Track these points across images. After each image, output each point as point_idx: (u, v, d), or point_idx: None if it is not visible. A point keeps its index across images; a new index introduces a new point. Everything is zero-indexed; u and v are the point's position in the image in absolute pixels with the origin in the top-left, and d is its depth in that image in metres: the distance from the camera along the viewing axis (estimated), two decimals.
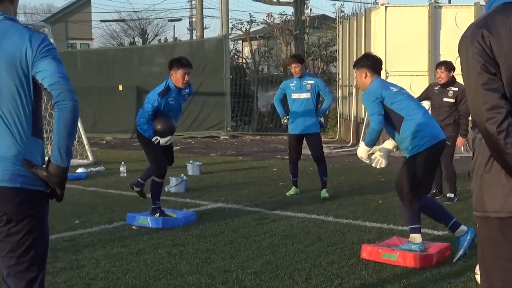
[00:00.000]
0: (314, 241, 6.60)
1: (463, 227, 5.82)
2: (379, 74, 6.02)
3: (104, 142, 21.46)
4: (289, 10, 26.81)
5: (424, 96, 9.08)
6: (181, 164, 12.89)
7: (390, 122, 5.83)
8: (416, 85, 16.74)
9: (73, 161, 14.01)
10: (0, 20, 3.09)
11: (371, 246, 5.95)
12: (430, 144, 5.73)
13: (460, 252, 5.74)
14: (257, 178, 11.47)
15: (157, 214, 7.51)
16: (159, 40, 38.70)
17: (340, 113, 21.28)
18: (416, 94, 15.60)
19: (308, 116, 9.01)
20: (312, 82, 9.12)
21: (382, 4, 17.04)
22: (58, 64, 3.04)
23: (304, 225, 7.39)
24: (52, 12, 53.30)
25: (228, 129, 22.38)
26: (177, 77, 7.30)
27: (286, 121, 9.24)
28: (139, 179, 8.08)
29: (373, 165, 6.08)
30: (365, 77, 5.94)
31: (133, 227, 7.37)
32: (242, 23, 29.27)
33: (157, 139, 7.31)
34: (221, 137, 22.04)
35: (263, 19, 27.76)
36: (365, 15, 18.33)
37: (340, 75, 21.47)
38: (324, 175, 9.16)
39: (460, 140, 8.87)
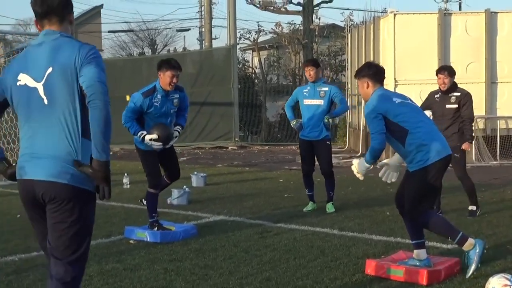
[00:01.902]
0: (317, 255, 6.33)
1: (471, 240, 5.53)
2: (382, 84, 5.73)
3: (111, 153, 21.27)
4: (298, 19, 26.61)
5: (425, 106, 8.72)
6: (186, 176, 12.68)
7: (394, 136, 5.53)
8: (426, 94, 16.34)
9: None
10: (57, 37, 3.57)
11: (376, 262, 5.67)
12: (436, 159, 5.44)
13: (472, 267, 5.45)
14: (263, 190, 11.22)
15: (155, 228, 7.27)
16: (168, 51, 38.59)
17: (349, 123, 21.03)
18: None
19: (320, 123, 8.64)
20: (326, 89, 8.73)
21: (391, 12, 16.80)
22: (99, 71, 3.44)
23: (308, 238, 7.12)
24: None
25: (236, 139, 22.20)
26: (164, 79, 7.06)
27: (294, 122, 8.87)
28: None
29: (383, 179, 5.87)
30: (367, 87, 5.65)
31: (131, 241, 7.13)
32: (250, 33, 29.10)
33: (142, 133, 7.01)
34: (229, 148, 21.86)
35: (272, 28, 27.58)
36: (373, 23, 18.10)
37: (349, 84, 21.22)
38: (331, 190, 8.86)
39: (466, 145, 8.53)
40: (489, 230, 7.43)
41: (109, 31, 39.37)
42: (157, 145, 7.04)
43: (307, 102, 8.74)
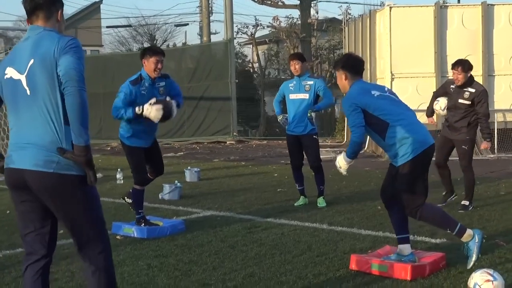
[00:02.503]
0: (304, 250, 6.28)
1: (469, 231, 5.44)
2: (361, 76, 5.63)
3: (109, 148, 21.25)
4: (296, 13, 26.49)
5: (442, 92, 8.63)
6: (180, 170, 12.65)
7: (374, 129, 5.42)
8: (423, 87, 16.41)
9: None
10: (40, 32, 3.68)
11: (360, 257, 5.61)
12: (419, 152, 5.33)
13: (473, 258, 5.34)
14: (256, 184, 11.16)
15: (142, 224, 7.22)
16: (168, 46, 38.46)
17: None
18: (423, 96, 15.55)
19: (305, 117, 8.59)
20: (311, 82, 8.66)
21: (387, 5, 16.69)
22: (75, 59, 3.51)
23: (296, 233, 7.06)
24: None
25: (234, 134, 22.15)
26: (149, 66, 6.92)
27: (281, 117, 8.82)
28: (131, 190, 7.67)
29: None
30: (345, 79, 5.53)
31: (117, 237, 7.09)
32: (247, 27, 28.99)
33: (139, 108, 6.68)
34: (227, 142, 21.82)
35: (269, 22, 27.49)
36: (370, 16, 17.99)
37: None
38: (321, 184, 8.79)
39: (484, 144, 8.44)
40: (480, 224, 7.36)
41: (107, 27, 39.16)
42: (158, 110, 6.59)
43: (292, 96, 8.69)
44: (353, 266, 5.55)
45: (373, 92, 5.45)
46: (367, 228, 7.19)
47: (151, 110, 6.63)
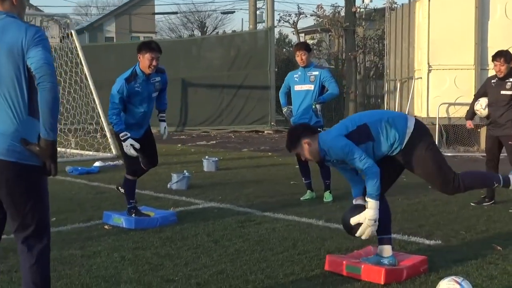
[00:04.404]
0: (287, 248, 6.03)
1: (507, 176, 5.30)
2: (317, 131, 5.24)
3: None
4: (342, 2, 25.96)
5: (482, 92, 8.38)
6: (198, 159, 12.53)
7: (362, 141, 5.00)
8: (461, 80, 15.84)
9: (95, 155, 13.83)
10: (3, 18, 3.63)
11: (335, 257, 5.34)
12: (412, 122, 5.07)
13: None
14: (272, 176, 10.93)
15: (133, 214, 7.10)
16: (217, 33, 38.47)
17: (387, 109, 20.44)
18: (461, 90, 15.01)
19: (310, 109, 8.32)
20: (316, 73, 8.41)
21: None
22: (46, 52, 3.53)
23: (287, 229, 6.81)
24: (117, 5, 53.92)
25: (272, 123, 21.88)
26: (144, 62, 6.77)
27: (285, 109, 8.59)
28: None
29: (363, 237, 5.00)
30: (310, 145, 5.07)
31: (106, 226, 6.99)
32: (290, 15, 28.55)
33: (126, 134, 6.81)
34: (265, 132, 21.58)
35: (313, 11, 27.05)
36: (409, 5, 17.46)
37: (388, 70, 20.61)
38: (327, 178, 8.50)
39: None
40: (485, 225, 6.98)
41: (153, 13, 39.33)
42: (133, 152, 6.80)
43: (297, 87, 8.43)
44: (327, 267, 5.29)
45: (345, 125, 5.13)
46: None
47: (128, 149, 6.79)
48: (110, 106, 6.80)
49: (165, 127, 7.41)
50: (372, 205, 4.86)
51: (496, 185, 5.32)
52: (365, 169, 4.85)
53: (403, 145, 5.04)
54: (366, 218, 4.87)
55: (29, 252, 3.72)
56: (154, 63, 6.79)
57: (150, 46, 6.82)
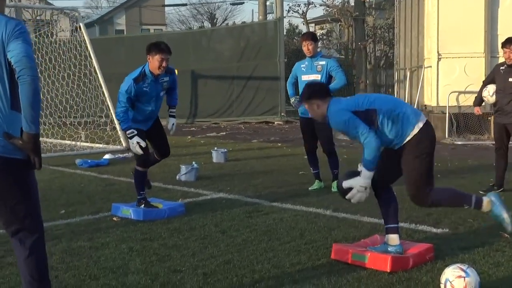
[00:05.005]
0: (294, 238, 6.05)
1: (486, 199, 5.17)
2: (330, 96, 5.24)
3: None
4: None
5: (491, 78, 8.36)
6: (207, 151, 12.56)
7: (366, 124, 4.99)
8: (471, 68, 15.75)
9: (105, 147, 13.89)
10: None
11: (341, 246, 5.36)
12: (421, 122, 5.02)
13: (505, 217, 5.11)
14: (281, 167, 10.94)
15: (142, 205, 7.14)
16: (227, 24, 38.41)
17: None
18: (471, 78, 14.92)
19: None
20: (323, 63, 8.40)
21: None
22: (26, 45, 3.48)
23: (295, 219, 6.84)
24: None
25: (282, 114, 21.87)
26: (154, 63, 6.80)
27: (293, 99, 8.59)
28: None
29: (353, 201, 5.14)
30: (318, 107, 5.13)
31: (114, 218, 7.03)
32: (299, 5, 28.50)
33: (133, 132, 6.85)
34: (275, 123, 21.58)
35: (322, 1, 26.90)
36: None
37: (398, 58, 20.54)
38: (335, 168, 8.49)
39: None
40: None
41: (162, 5, 39.34)
42: (138, 150, 6.87)
43: (304, 77, 8.42)
44: (333, 255, 5.30)
45: (353, 100, 5.16)
46: (370, 216, 6.89)
47: (134, 146, 6.86)
48: (118, 104, 6.85)
49: (173, 123, 7.44)
50: (364, 174, 4.96)
51: (466, 206, 5.20)
52: (364, 143, 4.92)
53: (401, 145, 5.08)
54: (357, 184, 4.99)
55: (22, 245, 3.72)
56: (164, 64, 6.81)
57: (159, 48, 6.83)
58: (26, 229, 3.71)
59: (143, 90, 6.83)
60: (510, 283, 4.70)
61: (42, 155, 3.69)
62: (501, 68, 8.16)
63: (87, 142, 14.88)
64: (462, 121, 15.73)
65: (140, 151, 6.86)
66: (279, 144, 14.79)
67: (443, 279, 4.38)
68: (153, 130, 7.19)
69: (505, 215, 5.11)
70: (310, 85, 5.50)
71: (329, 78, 8.34)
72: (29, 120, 3.47)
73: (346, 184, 5.10)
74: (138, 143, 6.82)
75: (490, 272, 4.88)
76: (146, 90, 6.85)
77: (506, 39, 8.12)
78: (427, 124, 5.11)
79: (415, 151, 5.02)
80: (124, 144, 13.84)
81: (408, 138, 5.02)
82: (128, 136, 6.87)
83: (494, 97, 8.16)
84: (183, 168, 9.56)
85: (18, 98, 3.50)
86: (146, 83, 6.84)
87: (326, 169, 8.74)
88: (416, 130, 5.01)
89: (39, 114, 3.54)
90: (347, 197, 5.12)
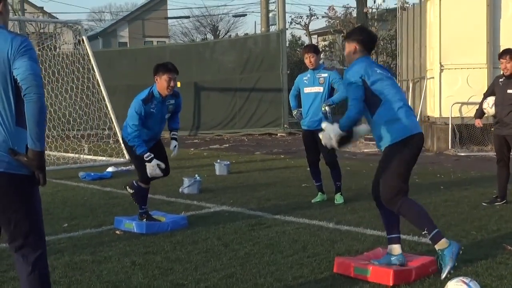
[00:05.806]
0: (297, 251, 6.04)
1: (445, 240, 5.12)
2: (370, 53, 5.42)
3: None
4: (353, 3, 26.00)
5: (491, 90, 8.38)
6: (210, 163, 12.57)
7: (366, 104, 5.15)
8: (474, 79, 15.75)
9: (108, 160, 13.91)
10: None
11: (343, 260, 5.35)
12: (406, 135, 5.07)
13: (448, 267, 5.02)
14: (283, 179, 10.94)
15: (144, 219, 7.14)
16: (230, 36, 38.53)
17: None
18: (473, 89, 14.91)
19: (319, 111, 8.29)
20: (325, 75, 8.40)
21: None
22: (32, 63, 3.50)
23: (298, 232, 6.83)
24: (130, 10, 54.20)
25: (285, 126, 21.89)
26: (162, 83, 6.82)
27: (295, 112, 8.60)
28: (134, 181, 7.61)
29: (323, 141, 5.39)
30: (354, 52, 5.29)
31: (117, 231, 7.03)
32: (301, 17, 28.56)
33: (150, 155, 6.87)
34: (278, 135, 21.60)
35: (325, 12, 27.06)
36: (420, 5, 17.41)
37: (400, 69, 20.56)
38: (338, 180, 8.50)
39: None
40: (496, 224, 6.96)
41: (165, 18, 39.48)
42: (159, 172, 6.94)
43: (307, 90, 8.43)
44: (336, 269, 5.29)
45: (376, 69, 5.23)
46: (373, 228, 6.89)
47: (154, 169, 6.90)
48: (130, 128, 6.85)
49: (175, 146, 7.42)
50: (336, 129, 5.16)
51: (425, 232, 5.15)
52: (349, 109, 5.13)
53: (382, 148, 5.21)
54: (328, 130, 5.21)
55: (25, 261, 3.71)
56: (172, 83, 6.84)
57: (167, 67, 6.87)
58: (30, 245, 3.71)
59: (150, 111, 6.86)
60: None
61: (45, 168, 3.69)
62: (500, 80, 8.18)
63: (90, 154, 14.91)
64: (465, 132, 15.72)
65: (160, 174, 6.92)
66: (282, 156, 14.80)
67: None
68: (155, 149, 7.18)
69: (449, 265, 5.01)
70: (365, 30, 5.60)
71: (331, 90, 8.35)
72: (34, 137, 3.49)
73: (322, 125, 5.34)
74: (158, 165, 6.85)
75: (493, 285, 4.86)
76: (153, 111, 6.87)
77: (503, 51, 8.17)
78: (415, 136, 5.16)
79: (396, 154, 5.11)
80: (127, 157, 13.84)
81: (389, 145, 5.12)
82: (146, 159, 6.88)
83: (493, 109, 8.17)
84: (186, 181, 9.57)
85: (24, 115, 3.51)
86: (153, 104, 6.87)
87: (329, 181, 8.73)
88: (402, 141, 5.08)
89: (44, 132, 3.57)
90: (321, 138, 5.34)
